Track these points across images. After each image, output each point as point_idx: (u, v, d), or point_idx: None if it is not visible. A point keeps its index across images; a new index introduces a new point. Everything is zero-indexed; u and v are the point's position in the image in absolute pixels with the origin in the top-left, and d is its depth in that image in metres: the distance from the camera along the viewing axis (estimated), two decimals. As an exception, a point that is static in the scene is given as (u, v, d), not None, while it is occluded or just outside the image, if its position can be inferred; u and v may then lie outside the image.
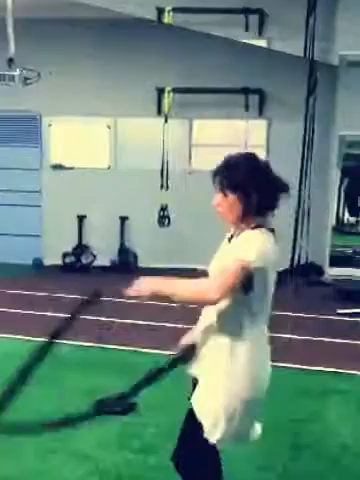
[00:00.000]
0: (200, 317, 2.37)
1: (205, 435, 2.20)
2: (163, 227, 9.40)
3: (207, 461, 2.30)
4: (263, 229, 2.16)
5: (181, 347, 2.46)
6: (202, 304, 2.24)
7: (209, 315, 2.25)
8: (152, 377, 2.32)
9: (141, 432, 3.73)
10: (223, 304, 2.13)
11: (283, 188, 2.19)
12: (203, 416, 2.21)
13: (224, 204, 2.18)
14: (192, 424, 2.24)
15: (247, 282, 2.08)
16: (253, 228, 2.16)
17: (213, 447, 2.24)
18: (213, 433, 2.20)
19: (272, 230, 2.20)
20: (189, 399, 2.30)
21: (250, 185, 2.13)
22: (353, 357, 5.43)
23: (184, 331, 2.51)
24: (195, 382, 2.32)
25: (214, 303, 2.10)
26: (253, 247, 2.08)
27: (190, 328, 2.50)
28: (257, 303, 2.17)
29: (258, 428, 2.35)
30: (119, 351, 5.39)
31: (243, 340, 2.17)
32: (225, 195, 2.17)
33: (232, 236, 2.29)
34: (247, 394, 2.18)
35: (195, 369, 2.30)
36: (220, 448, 2.27)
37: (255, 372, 2.21)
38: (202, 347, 2.27)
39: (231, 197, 2.16)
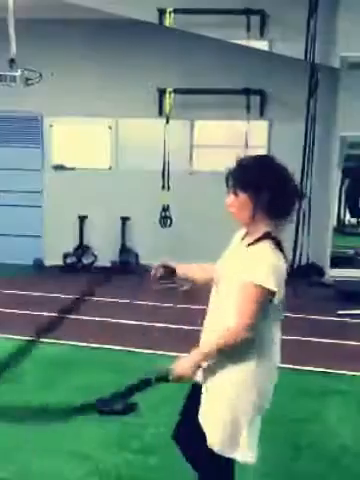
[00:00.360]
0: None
1: (221, 452, 2.21)
2: (165, 228, 9.40)
3: (222, 471, 2.30)
4: (272, 243, 2.13)
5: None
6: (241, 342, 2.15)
7: (219, 320, 2.22)
8: (141, 386, 2.31)
9: (141, 432, 3.73)
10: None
11: (297, 195, 2.22)
12: (218, 432, 2.21)
13: (235, 204, 2.17)
14: (204, 440, 2.23)
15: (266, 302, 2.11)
16: (262, 237, 2.13)
17: (227, 459, 2.26)
18: (231, 448, 2.21)
19: (277, 239, 2.17)
20: (194, 400, 2.30)
21: (261, 184, 2.11)
22: (353, 358, 5.44)
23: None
24: (196, 387, 2.32)
25: (248, 337, 2.09)
26: (269, 271, 2.06)
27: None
28: (272, 314, 2.18)
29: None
30: (114, 351, 5.40)
31: (256, 355, 2.17)
32: (236, 194, 2.16)
33: (246, 235, 2.27)
34: (259, 403, 2.20)
35: (203, 379, 2.28)
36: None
37: (265, 383, 2.22)
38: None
39: (242, 196, 2.14)
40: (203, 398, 2.27)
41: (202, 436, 2.24)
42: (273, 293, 2.07)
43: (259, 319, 2.09)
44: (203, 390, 2.27)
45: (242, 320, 2.07)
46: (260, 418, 2.28)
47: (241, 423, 2.18)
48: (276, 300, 2.10)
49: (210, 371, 2.22)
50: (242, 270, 2.09)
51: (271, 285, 2.04)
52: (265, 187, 2.10)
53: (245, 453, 2.22)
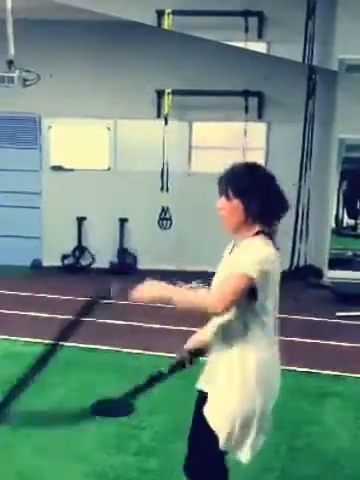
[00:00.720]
0: (208, 322, 2.38)
1: (222, 447, 2.20)
2: (164, 229, 9.40)
3: (216, 468, 2.30)
4: (263, 236, 2.17)
5: (183, 352, 2.47)
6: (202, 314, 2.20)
7: (215, 325, 2.25)
8: (152, 381, 2.33)
9: (139, 434, 3.74)
10: (228, 315, 2.14)
11: (285, 204, 2.25)
12: (219, 428, 2.20)
13: (227, 208, 2.21)
14: (206, 435, 2.22)
15: (251, 293, 2.10)
16: (254, 234, 2.18)
17: (221, 454, 2.25)
18: (231, 445, 2.21)
19: (271, 236, 2.20)
20: (198, 411, 2.29)
21: (254, 191, 2.16)
22: (351, 359, 5.44)
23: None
24: (202, 395, 2.31)
25: (216, 315, 2.13)
26: (255, 260, 2.08)
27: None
28: (262, 310, 2.18)
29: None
30: (113, 352, 5.40)
31: (251, 348, 2.18)
32: (228, 199, 2.20)
33: (233, 247, 2.30)
34: (260, 400, 2.19)
35: (204, 383, 2.30)
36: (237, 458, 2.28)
37: (266, 378, 2.22)
38: (210, 358, 2.27)
39: (234, 201, 2.19)
40: (210, 395, 2.25)
41: (204, 436, 2.23)
42: (254, 283, 2.08)
43: (248, 311, 2.13)
44: (208, 388, 2.27)
45: (217, 294, 2.09)
46: (271, 408, 2.29)
47: (253, 416, 2.19)
48: (260, 294, 2.11)
49: (214, 368, 2.24)
50: (231, 263, 2.15)
51: (253, 274, 2.06)
52: (257, 195, 2.16)
53: (247, 452, 2.23)
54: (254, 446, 2.24)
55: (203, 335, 2.45)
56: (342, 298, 7.79)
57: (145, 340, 5.73)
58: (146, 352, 5.33)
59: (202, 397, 2.30)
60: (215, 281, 2.26)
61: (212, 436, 2.20)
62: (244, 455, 2.24)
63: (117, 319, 6.45)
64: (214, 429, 2.20)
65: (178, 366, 2.30)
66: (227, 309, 2.07)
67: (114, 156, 9.92)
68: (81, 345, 5.52)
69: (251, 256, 2.10)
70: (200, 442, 2.29)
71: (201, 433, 2.26)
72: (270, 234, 2.20)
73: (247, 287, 2.07)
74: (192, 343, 2.49)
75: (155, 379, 2.34)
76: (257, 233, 2.18)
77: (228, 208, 2.21)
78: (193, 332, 2.52)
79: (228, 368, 2.19)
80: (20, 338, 5.70)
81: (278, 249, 2.19)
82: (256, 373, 2.18)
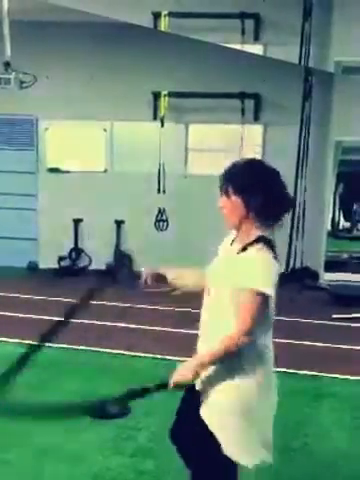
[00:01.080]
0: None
1: (225, 452, 2.21)
2: (161, 231, 9.41)
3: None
4: (265, 246, 2.14)
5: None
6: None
7: (215, 329, 2.23)
8: (142, 393, 2.30)
9: (135, 435, 3.73)
10: (230, 323, 2.14)
11: (289, 202, 2.26)
12: (221, 433, 2.21)
13: (228, 205, 2.20)
14: (210, 442, 2.22)
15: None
16: (256, 241, 2.15)
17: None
18: (233, 450, 2.22)
19: (271, 242, 2.18)
20: (191, 405, 2.30)
21: (254, 188, 2.14)
22: (346, 361, 5.45)
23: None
24: (191, 390, 2.31)
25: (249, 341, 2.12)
26: (268, 276, 2.09)
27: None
28: (268, 319, 2.20)
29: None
30: (113, 355, 5.39)
31: (254, 354, 2.19)
32: (229, 197, 2.18)
33: (235, 239, 2.29)
34: (261, 408, 2.24)
35: (203, 385, 2.29)
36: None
37: (267, 385, 2.27)
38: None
39: (235, 199, 2.17)
40: (209, 401, 2.25)
41: (204, 438, 2.23)
42: (269, 297, 2.11)
43: (260, 323, 2.13)
44: (204, 393, 2.26)
45: (243, 327, 2.09)
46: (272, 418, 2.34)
47: (254, 422, 2.22)
48: (271, 303, 2.15)
49: (212, 376, 2.23)
50: (237, 275, 2.11)
51: (269, 291, 2.08)
52: (257, 191, 2.14)
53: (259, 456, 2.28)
54: (256, 454, 2.27)
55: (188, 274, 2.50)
56: (338, 300, 7.80)
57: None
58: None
59: (196, 396, 2.29)
60: (215, 278, 2.25)
61: (213, 439, 2.20)
62: (247, 461, 2.27)
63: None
64: (215, 432, 2.20)
65: (162, 387, 2.27)
66: (253, 333, 2.10)
67: (110, 158, 9.92)
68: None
69: (265, 272, 2.10)
70: (202, 447, 2.27)
71: (200, 436, 2.25)
72: (271, 242, 2.18)
73: (263, 304, 2.10)
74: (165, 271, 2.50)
75: (140, 393, 2.30)
76: (258, 240, 2.15)
77: (229, 206, 2.20)
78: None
79: (232, 375, 2.19)
80: (14, 339, 5.69)
81: (277, 258, 2.18)
82: (258, 383, 2.21)
